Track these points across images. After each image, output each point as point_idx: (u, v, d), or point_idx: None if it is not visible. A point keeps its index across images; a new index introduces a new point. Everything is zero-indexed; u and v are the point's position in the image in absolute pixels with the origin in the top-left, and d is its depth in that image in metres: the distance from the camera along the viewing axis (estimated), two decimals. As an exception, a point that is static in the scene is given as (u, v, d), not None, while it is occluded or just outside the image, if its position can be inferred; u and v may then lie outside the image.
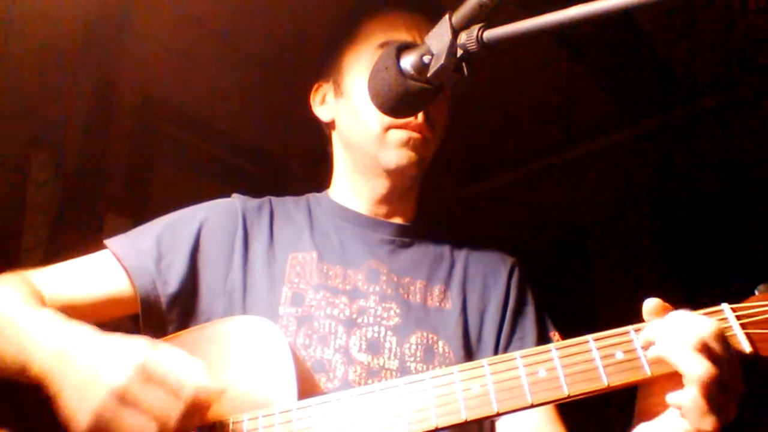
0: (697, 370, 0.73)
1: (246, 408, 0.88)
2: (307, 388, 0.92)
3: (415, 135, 1.16)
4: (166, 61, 2.51)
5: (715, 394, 0.74)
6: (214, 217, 1.18)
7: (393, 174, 1.19)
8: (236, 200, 1.23)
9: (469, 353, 1.13)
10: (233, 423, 0.88)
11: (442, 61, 0.88)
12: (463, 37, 0.86)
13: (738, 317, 0.78)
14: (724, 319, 0.78)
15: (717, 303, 0.80)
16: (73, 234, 2.09)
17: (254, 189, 1.30)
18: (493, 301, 1.19)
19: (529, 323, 1.19)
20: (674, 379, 0.76)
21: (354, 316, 1.10)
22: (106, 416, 0.77)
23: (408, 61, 0.94)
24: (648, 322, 0.80)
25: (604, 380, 0.77)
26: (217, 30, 2.67)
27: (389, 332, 1.10)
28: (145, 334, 1.09)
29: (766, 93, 2.87)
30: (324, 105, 1.29)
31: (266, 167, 2.85)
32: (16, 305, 0.96)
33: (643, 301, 0.81)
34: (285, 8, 2.43)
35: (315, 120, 1.32)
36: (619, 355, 0.78)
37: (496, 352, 1.15)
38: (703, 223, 3.16)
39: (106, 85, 2.33)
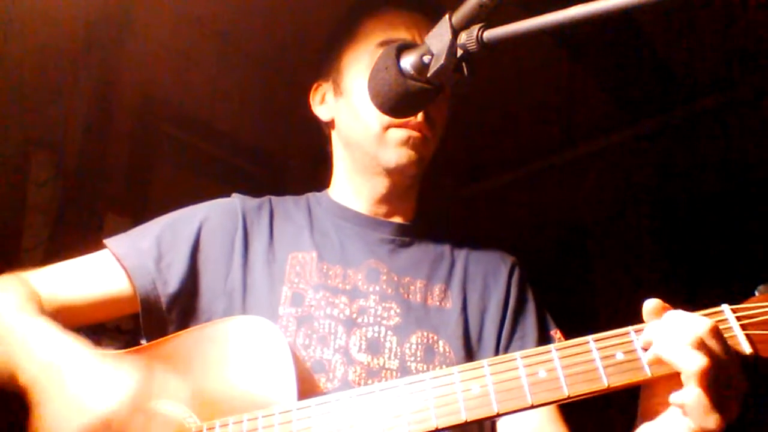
0: (693, 365, 0.73)
1: (245, 408, 0.88)
2: (306, 388, 0.92)
3: (415, 134, 1.16)
4: (166, 61, 2.51)
5: (715, 390, 0.74)
6: (214, 216, 1.18)
7: (393, 173, 1.19)
8: (236, 200, 1.23)
9: (470, 353, 1.13)
10: (233, 423, 0.88)
11: (442, 61, 0.88)
12: (463, 37, 0.86)
13: (738, 318, 0.78)
14: (725, 320, 0.78)
15: (717, 303, 0.80)
16: (73, 234, 2.09)
17: (254, 189, 1.30)
18: (494, 300, 1.19)
19: (529, 322, 1.19)
20: (676, 380, 0.76)
21: (354, 315, 1.10)
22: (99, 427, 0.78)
23: (408, 61, 0.94)
24: (648, 322, 0.80)
25: (605, 381, 0.77)
26: (217, 30, 2.67)
27: (389, 332, 1.10)
28: (145, 334, 1.10)
29: (766, 93, 2.87)
30: (323, 104, 1.29)
31: (266, 167, 2.85)
32: (13, 312, 0.96)
33: (643, 301, 0.81)
34: (285, 8, 2.43)
35: (315, 119, 1.32)
36: (620, 356, 0.78)
37: (496, 351, 1.15)
38: (703, 223, 3.16)
39: (106, 85, 2.33)
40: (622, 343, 0.79)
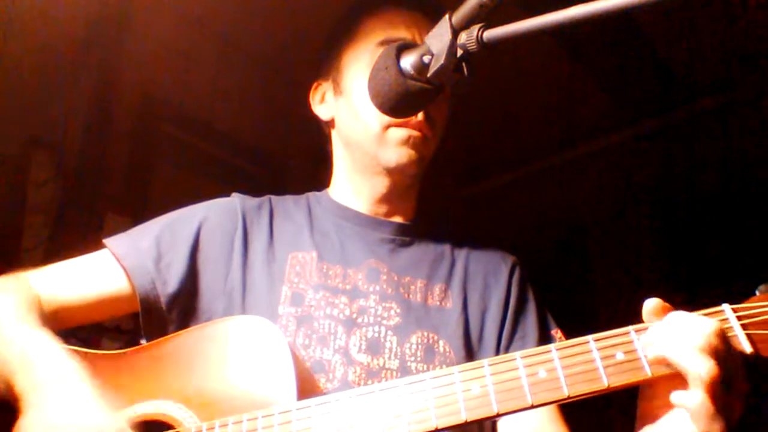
0: (701, 369, 0.73)
1: (245, 408, 0.88)
2: (306, 388, 0.91)
3: (415, 133, 1.16)
4: (166, 61, 2.51)
5: (721, 394, 0.74)
6: (214, 216, 1.18)
7: (393, 172, 1.19)
8: (236, 199, 1.23)
9: (470, 353, 1.13)
10: (233, 423, 0.88)
11: (442, 61, 0.88)
12: (463, 37, 0.86)
13: (739, 318, 0.78)
14: (725, 319, 0.78)
15: (717, 303, 0.80)
16: (73, 234, 2.09)
17: (254, 189, 1.30)
18: (494, 300, 1.18)
19: (530, 322, 1.19)
20: (675, 380, 0.76)
21: (354, 315, 1.10)
22: None
23: (408, 61, 0.94)
24: (648, 322, 0.80)
25: (605, 381, 0.77)
26: (217, 30, 2.67)
27: (390, 332, 1.10)
28: (145, 334, 1.10)
29: (766, 93, 2.87)
30: (323, 103, 1.29)
31: (266, 167, 2.85)
32: (13, 323, 0.97)
33: (643, 301, 0.81)
34: (285, 8, 2.43)
35: (314, 119, 1.32)
36: (620, 356, 0.78)
37: (497, 351, 1.14)
38: (703, 223, 3.16)
39: (106, 85, 2.33)
40: (623, 343, 0.79)
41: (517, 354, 0.81)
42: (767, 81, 2.84)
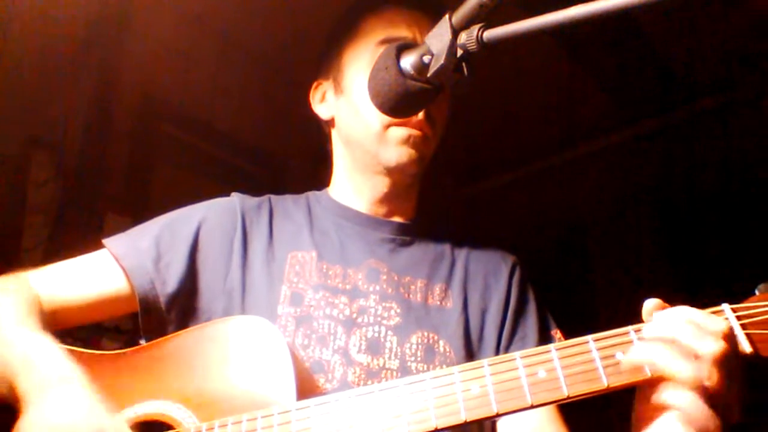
0: (685, 371, 0.73)
1: (244, 408, 0.88)
2: (306, 388, 0.91)
3: (416, 132, 1.16)
4: (166, 61, 2.51)
5: (711, 394, 0.73)
6: (213, 216, 1.18)
7: (393, 172, 1.19)
8: (235, 199, 1.22)
9: (470, 353, 1.12)
10: (232, 423, 0.88)
11: (442, 61, 0.88)
12: (463, 37, 0.86)
13: (738, 317, 0.77)
14: (725, 319, 0.78)
15: (717, 303, 0.80)
16: (73, 234, 2.09)
17: (254, 189, 1.30)
18: (495, 300, 1.18)
19: (530, 322, 1.19)
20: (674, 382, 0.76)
21: (354, 315, 1.10)
22: None
23: (408, 61, 0.94)
24: (647, 322, 0.80)
25: (604, 381, 0.77)
26: (217, 30, 2.67)
27: (390, 332, 1.09)
28: (144, 334, 1.10)
29: (766, 93, 2.87)
30: (324, 102, 1.29)
31: (266, 167, 2.85)
32: (13, 326, 0.97)
33: (643, 301, 0.81)
34: (285, 7, 2.43)
35: (315, 118, 1.31)
36: (619, 356, 0.77)
37: (497, 351, 1.14)
38: (703, 223, 3.16)
39: (106, 85, 2.33)
40: (622, 343, 0.78)
41: (516, 354, 0.81)
42: (767, 81, 2.85)
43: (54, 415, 0.83)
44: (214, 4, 2.44)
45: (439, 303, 1.16)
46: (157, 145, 2.50)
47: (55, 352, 0.93)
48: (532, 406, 0.78)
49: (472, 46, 0.85)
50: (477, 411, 0.79)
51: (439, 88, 0.95)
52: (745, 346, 0.76)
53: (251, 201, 1.23)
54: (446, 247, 1.23)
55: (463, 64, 0.87)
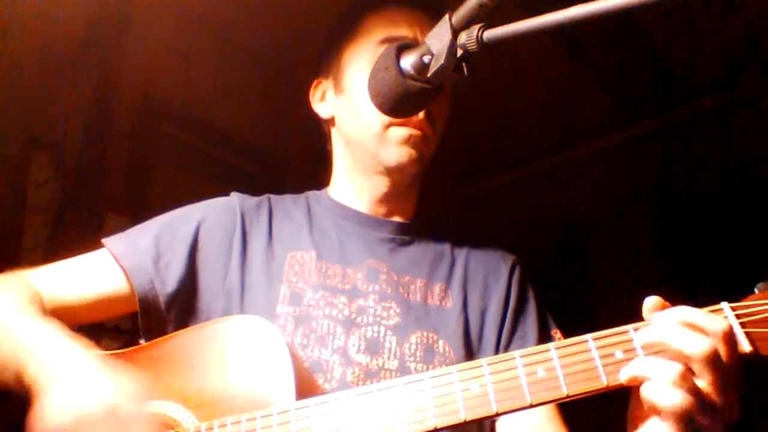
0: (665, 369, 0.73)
1: (244, 408, 0.88)
2: (305, 388, 0.91)
3: (416, 132, 1.16)
4: (166, 61, 2.51)
5: (703, 395, 0.73)
6: (213, 215, 1.18)
7: (393, 172, 1.19)
8: (235, 198, 1.22)
9: (470, 352, 1.12)
10: (231, 423, 0.88)
11: (442, 61, 0.88)
12: (463, 37, 0.86)
13: (738, 316, 0.77)
14: (724, 318, 0.78)
15: (717, 302, 0.80)
16: (73, 234, 2.09)
17: (254, 189, 1.30)
18: (494, 299, 1.18)
19: (530, 322, 1.19)
20: None
21: (353, 315, 1.10)
22: (86, 422, 0.79)
23: (408, 61, 0.94)
24: (648, 320, 0.80)
25: (604, 380, 0.77)
26: (217, 30, 2.67)
27: (389, 332, 1.09)
28: (144, 333, 1.10)
29: (766, 93, 2.87)
30: (323, 102, 1.29)
31: (266, 167, 2.85)
32: (16, 314, 0.97)
33: (643, 300, 0.81)
34: (285, 7, 2.43)
35: (314, 118, 1.31)
36: (619, 355, 0.78)
37: (497, 351, 1.14)
38: (703, 223, 3.16)
39: (106, 85, 2.33)
40: (622, 342, 0.78)
41: (516, 353, 0.81)
42: (767, 81, 2.84)
43: (72, 391, 0.83)
44: (214, 4, 2.44)
45: (438, 303, 1.16)
46: (157, 145, 2.50)
47: (61, 334, 0.93)
48: (532, 405, 0.78)
49: (472, 46, 0.85)
50: (476, 410, 0.79)
51: (439, 88, 0.95)
52: (745, 345, 0.76)
53: (251, 200, 1.23)
54: (446, 247, 1.23)
55: (463, 64, 0.87)
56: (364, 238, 1.19)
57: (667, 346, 0.74)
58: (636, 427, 0.80)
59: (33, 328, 0.94)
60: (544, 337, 1.17)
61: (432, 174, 1.27)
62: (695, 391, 0.73)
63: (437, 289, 1.17)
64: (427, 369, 1.06)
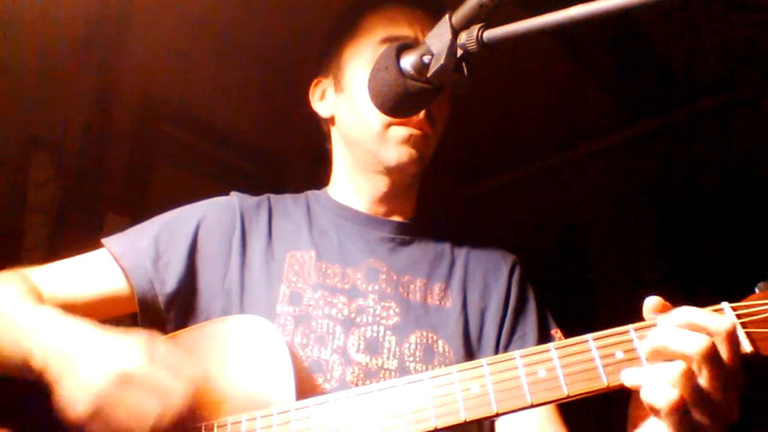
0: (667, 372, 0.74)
1: (244, 408, 0.88)
2: (305, 388, 0.91)
3: (416, 132, 1.16)
4: (166, 61, 2.51)
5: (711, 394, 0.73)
6: (212, 215, 1.17)
7: (393, 171, 1.19)
8: (234, 198, 1.22)
9: (470, 352, 1.12)
10: (231, 423, 0.88)
11: (442, 61, 0.88)
12: (463, 37, 0.86)
13: (738, 316, 0.77)
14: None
15: (717, 302, 0.80)
16: (73, 234, 2.09)
17: (254, 189, 1.30)
18: (494, 299, 1.18)
19: (530, 322, 1.18)
20: None
21: (353, 315, 1.10)
22: (108, 401, 0.79)
23: (408, 61, 0.94)
24: (649, 320, 0.80)
25: (604, 380, 0.77)
26: (217, 30, 2.67)
27: (388, 332, 1.09)
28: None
29: (766, 93, 2.87)
30: (323, 101, 1.28)
31: (266, 167, 2.85)
32: (16, 302, 0.97)
33: (643, 300, 0.81)
34: (285, 7, 2.43)
35: (314, 117, 1.31)
36: (619, 355, 0.77)
37: (496, 350, 1.14)
38: (703, 223, 3.16)
39: (106, 85, 2.33)
40: (622, 342, 0.78)
41: (516, 353, 0.81)
42: (767, 81, 2.84)
43: (90, 369, 0.82)
44: (214, 4, 2.44)
45: (438, 302, 1.15)
46: (157, 145, 2.50)
47: (64, 316, 0.92)
48: (532, 406, 0.78)
49: (472, 46, 0.85)
50: (477, 410, 0.79)
51: (439, 88, 0.95)
52: (745, 345, 0.76)
53: (250, 200, 1.23)
54: (446, 247, 1.23)
55: (463, 64, 0.87)
56: (363, 238, 1.19)
57: (668, 350, 0.74)
58: (636, 427, 0.80)
59: (33, 313, 0.94)
60: (543, 337, 1.17)
61: (432, 174, 1.27)
62: (694, 389, 0.72)
63: (437, 288, 1.17)
64: (427, 369, 1.06)
